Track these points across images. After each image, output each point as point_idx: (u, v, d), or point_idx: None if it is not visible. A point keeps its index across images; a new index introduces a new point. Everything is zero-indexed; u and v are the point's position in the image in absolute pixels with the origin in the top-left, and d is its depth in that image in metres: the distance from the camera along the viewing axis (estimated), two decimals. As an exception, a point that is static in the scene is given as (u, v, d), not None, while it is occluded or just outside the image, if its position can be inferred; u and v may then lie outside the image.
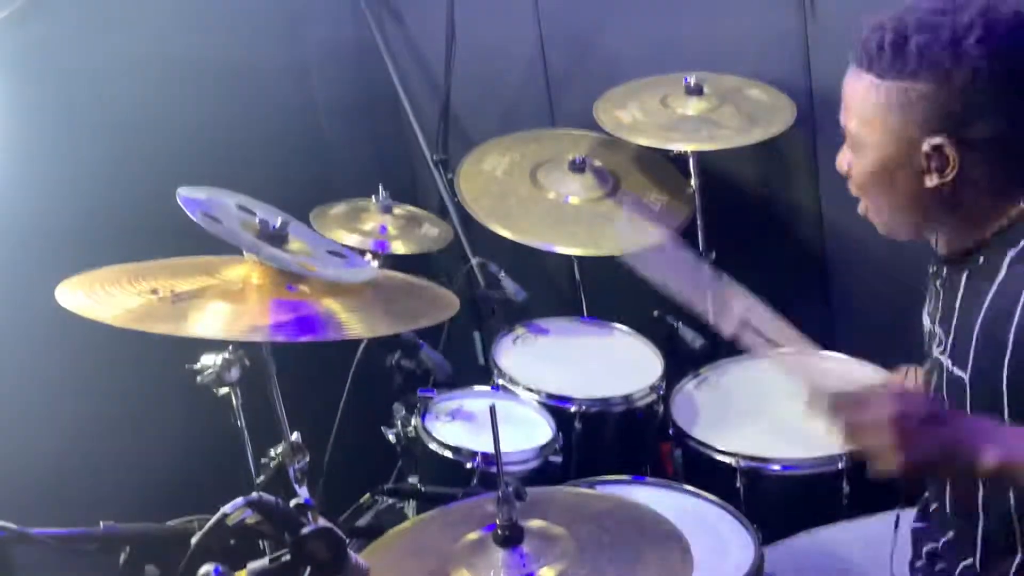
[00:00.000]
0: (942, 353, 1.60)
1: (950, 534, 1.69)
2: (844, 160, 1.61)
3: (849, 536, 2.01)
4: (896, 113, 1.49)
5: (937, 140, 1.47)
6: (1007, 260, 1.50)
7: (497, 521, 1.59)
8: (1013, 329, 1.44)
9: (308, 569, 1.26)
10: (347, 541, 1.29)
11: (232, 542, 1.29)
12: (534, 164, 2.91)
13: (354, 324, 1.62)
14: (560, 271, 3.15)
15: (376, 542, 1.76)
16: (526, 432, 2.37)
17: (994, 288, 1.49)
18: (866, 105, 1.52)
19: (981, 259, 1.54)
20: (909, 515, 1.88)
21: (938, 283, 1.64)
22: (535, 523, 1.64)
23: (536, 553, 1.58)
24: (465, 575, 1.58)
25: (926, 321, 1.70)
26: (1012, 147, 1.48)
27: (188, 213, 1.61)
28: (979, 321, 1.50)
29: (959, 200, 1.51)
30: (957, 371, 1.55)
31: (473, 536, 1.65)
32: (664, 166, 2.93)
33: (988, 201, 1.52)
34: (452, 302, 1.84)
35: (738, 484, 2.23)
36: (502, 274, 2.77)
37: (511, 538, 1.59)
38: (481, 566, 1.58)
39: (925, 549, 1.77)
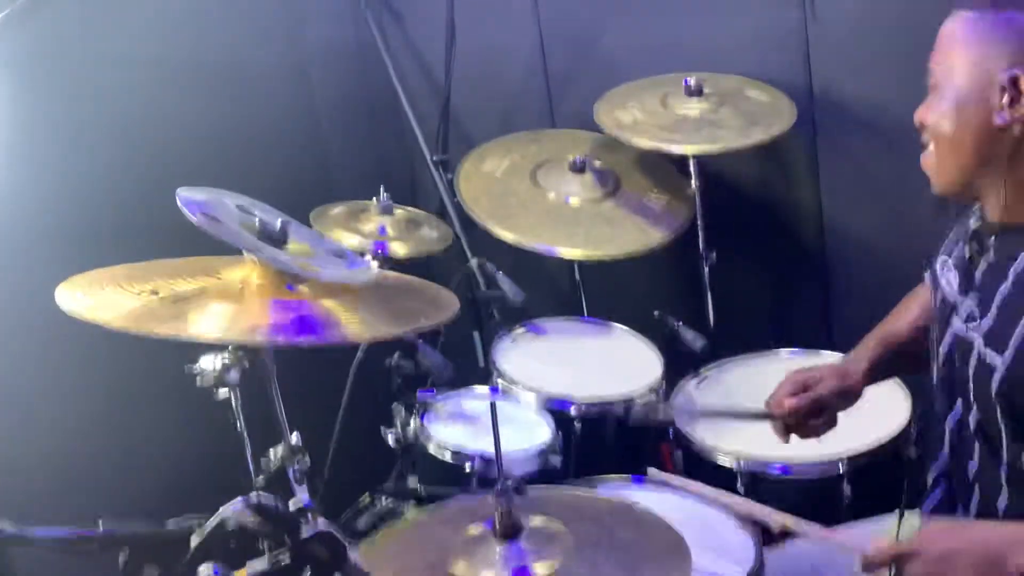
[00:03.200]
0: (974, 329, 1.57)
1: None
2: (921, 112, 1.60)
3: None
4: (978, 45, 1.51)
5: (1015, 71, 1.48)
6: None
7: (496, 515, 1.59)
8: None
9: (308, 570, 1.26)
10: (347, 545, 1.29)
11: (232, 543, 1.29)
12: (534, 164, 2.91)
13: (354, 325, 1.62)
14: (560, 271, 3.15)
15: (376, 535, 1.76)
16: (525, 433, 2.37)
17: None
18: (953, 41, 1.54)
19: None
20: (912, 518, 1.88)
21: (978, 252, 1.60)
22: (534, 519, 1.64)
23: (535, 548, 1.59)
24: (464, 568, 1.58)
25: (945, 287, 1.66)
26: None
27: (188, 213, 1.61)
28: None
29: (1020, 147, 1.50)
30: (991, 354, 1.52)
31: (473, 530, 1.65)
32: (664, 166, 2.93)
33: None
34: (452, 302, 1.84)
35: (738, 485, 2.23)
36: (500, 274, 2.76)
37: (510, 532, 1.59)
38: (480, 559, 1.59)
39: None
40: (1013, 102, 1.48)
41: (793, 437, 1.94)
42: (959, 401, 1.62)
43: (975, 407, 1.58)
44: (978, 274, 1.59)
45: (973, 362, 1.57)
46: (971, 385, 1.57)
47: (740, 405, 1.92)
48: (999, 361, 1.50)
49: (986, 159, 1.53)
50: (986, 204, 1.59)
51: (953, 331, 1.62)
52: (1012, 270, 1.52)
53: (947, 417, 1.66)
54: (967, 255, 1.63)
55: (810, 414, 1.87)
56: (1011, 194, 1.53)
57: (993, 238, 1.57)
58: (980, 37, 1.51)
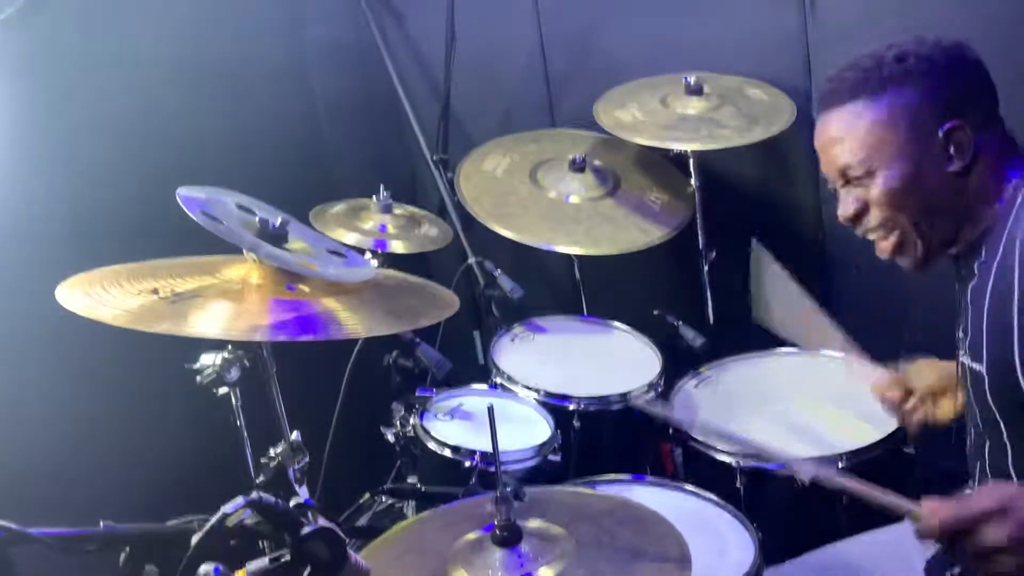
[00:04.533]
0: (964, 354, 1.62)
1: None
2: (851, 204, 1.62)
3: (859, 549, 2.00)
4: (906, 115, 1.55)
5: (952, 123, 1.53)
6: (1003, 238, 1.53)
7: (495, 521, 1.59)
8: (1016, 306, 1.46)
9: (308, 569, 1.26)
10: (347, 541, 1.29)
11: (232, 542, 1.29)
12: (534, 164, 2.91)
13: (354, 323, 1.62)
14: (560, 270, 3.15)
15: (376, 541, 1.76)
16: (525, 431, 2.37)
17: (993, 270, 1.52)
18: (872, 125, 1.57)
19: (984, 247, 1.57)
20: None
21: (957, 287, 1.65)
22: (534, 523, 1.64)
23: (535, 553, 1.58)
24: (464, 575, 1.58)
25: (959, 332, 1.71)
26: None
27: (188, 212, 1.61)
28: (986, 308, 1.52)
29: (977, 181, 1.56)
30: (975, 365, 1.57)
31: (472, 536, 1.65)
32: (664, 166, 2.93)
33: (994, 177, 1.57)
34: (452, 301, 1.84)
35: (738, 484, 2.23)
36: (498, 272, 2.77)
37: (509, 538, 1.59)
38: (480, 566, 1.58)
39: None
40: (961, 148, 1.55)
41: (792, 437, 1.93)
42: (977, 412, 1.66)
43: (977, 411, 1.63)
44: (960, 306, 1.64)
45: (969, 380, 1.63)
46: (975, 401, 1.62)
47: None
48: (982, 369, 1.56)
49: (958, 204, 1.58)
50: (956, 242, 1.63)
51: (960, 361, 1.67)
52: (970, 285, 1.60)
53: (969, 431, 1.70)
54: (959, 297, 1.67)
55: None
56: (970, 222, 1.59)
57: (957, 267, 1.65)
58: (900, 108, 1.55)
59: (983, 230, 1.58)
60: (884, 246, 1.64)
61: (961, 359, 1.65)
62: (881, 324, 2.78)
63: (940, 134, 1.54)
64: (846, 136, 1.58)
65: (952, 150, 1.55)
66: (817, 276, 3.04)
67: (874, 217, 1.61)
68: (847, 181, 1.62)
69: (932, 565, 1.81)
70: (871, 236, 1.65)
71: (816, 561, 1.99)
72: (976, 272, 1.59)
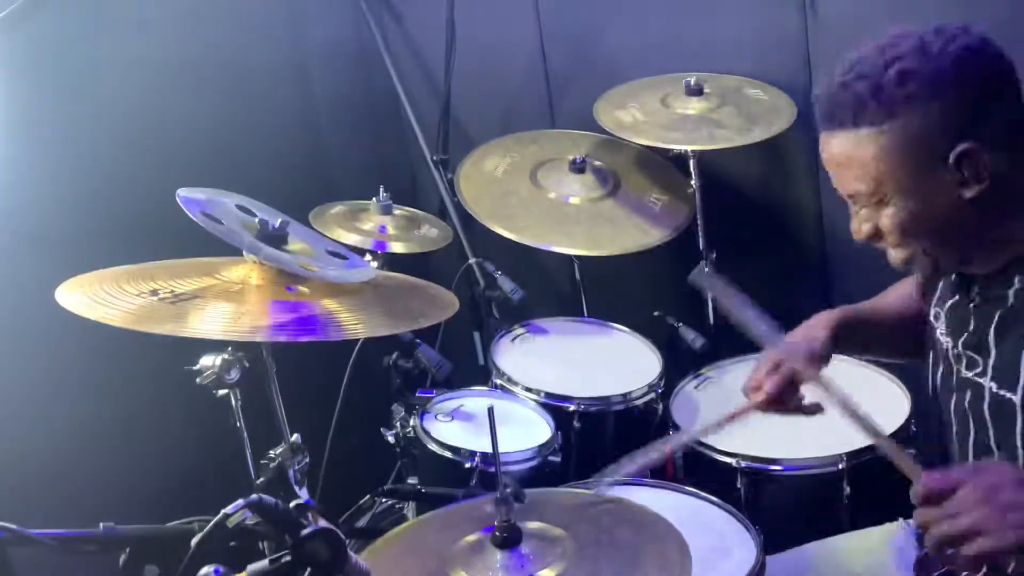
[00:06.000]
0: (979, 375, 1.55)
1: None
2: (864, 226, 1.54)
3: (849, 545, 2.00)
4: (909, 147, 1.43)
5: (962, 147, 1.41)
6: None
7: (495, 523, 1.59)
8: None
9: (308, 570, 1.26)
10: (347, 542, 1.29)
11: (232, 543, 1.29)
12: (534, 164, 2.91)
13: (354, 324, 1.62)
14: (560, 271, 3.15)
15: (376, 543, 1.76)
16: (525, 431, 2.37)
17: None
18: (875, 159, 1.45)
19: (1019, 276, 1.49)
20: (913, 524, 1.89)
21: (971, 305, 1.57)
22: (534, 524, 1.64)
23: (535, 554, 1.58)
24: (463, 576, 1.58)
25: (944, 342, 1.65)
26: None
27: (188, 213, 1.61)
28: None
29: (999, 202, 1.45)
30: (1005, 393, 1.50)
31: (472, 537, 1.65)
32: (664, 166, 2.93)
33: (1021, 201, 1.47)
34: (451, 302, 1.84)
35: (739, 484, 2.23)
36: (498, 273, 2.77)
37: (509, 540, 1.59)
38: (480, 567, 1.58)
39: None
40: (977, 173, 1.43)
41: (793, 438, 1.92)
42: (973, 431, 1.60)
43: (992, 436, 1.57)
44: (972, 326, 1.57)
45: (988, 403, 1.55)
46: (989, 420, 1.56)
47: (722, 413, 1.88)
48: (1016, 397, 1.49)
49: (973, 231, 1.48)
50: (972, 262, 1.56)
51: (965, 377, 1.60)
52: (1000, 310, 1.52)
53: (965, 440, 1.64)
54: (955, 309, 1.62)
55: (789, 389, 1.81)
56: (993, 245, 1.51)
57: (977, 288, 1.56)
58: (909, 135, 1.42)
59: (1017, 256, 1.49)
60: (895, 257, 1.56)
61: (968, 376, 1.58)
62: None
63: (951, 160, 1.42)
64: (851, 163, 1.48)
65: (966, 174, 1.43)
66: (817, 276, 3.04)
67: (888, 240, 1.54)
68: (858, 204, 1.54)
69: (921, 563, 1.81)
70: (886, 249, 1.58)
71: (811, 555, 1.98)
72: (1012, 298, 1.50)
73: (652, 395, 2.50)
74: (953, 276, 1.63)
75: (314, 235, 2.00)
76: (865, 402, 1.96)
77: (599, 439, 2.48)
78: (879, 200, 1.49)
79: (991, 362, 1.53)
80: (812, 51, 2.81)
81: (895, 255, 1.56)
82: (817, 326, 1.85)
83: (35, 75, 2.34)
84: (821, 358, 1.81)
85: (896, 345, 1.91)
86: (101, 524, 1.32)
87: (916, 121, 1.42)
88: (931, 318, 1.70)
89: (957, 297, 1.62)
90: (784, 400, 1.80)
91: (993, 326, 1.53)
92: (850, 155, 1.47)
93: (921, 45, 1.44)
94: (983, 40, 1.46)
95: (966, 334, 1.58)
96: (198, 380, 1.78)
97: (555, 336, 2.74)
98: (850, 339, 1.87)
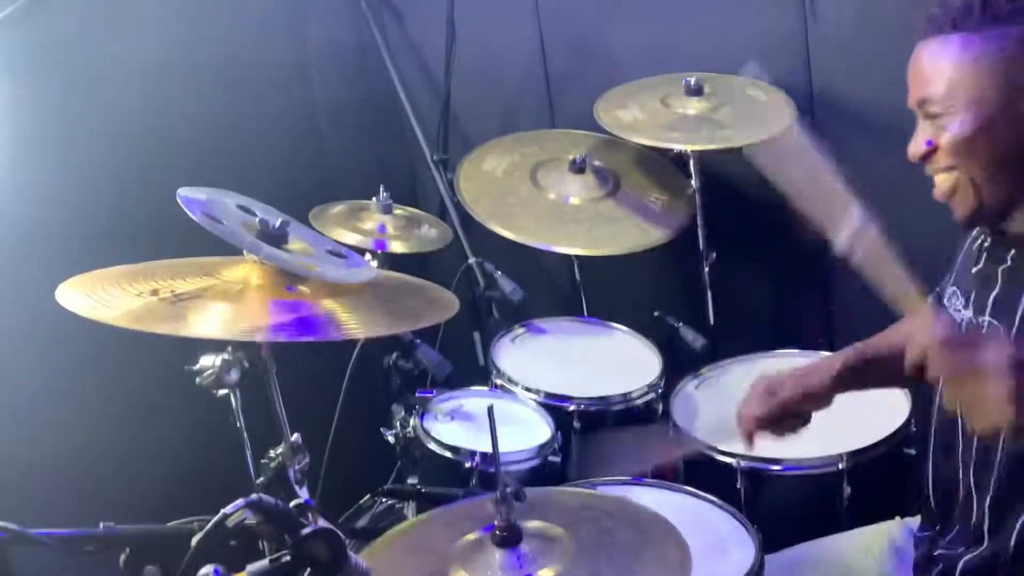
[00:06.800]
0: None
1: (977, 552, 1.65)
2: (922, 140, 1.53)
3: (848, 545, 2.00)
4: (996, 61, 1.44)
5: None
6: None
7: (495, 522, 1.59)
8: None
9: (308, 570, 1.26)
10: (347, 542, 1.29)
11: (232, 543, 1.29)
12: (534, 164, 2.91)
13: (354, 324, 1.62)
14: (560, 271, 3.15)
15: (376, 542, 1.76)
16: (525, 431, 2.37)
17: None
18: (958, 65, 1.46)
19: None
20: (911, 523, 1.88)
21: (1000, 268, 1.56)
22: (534, 524, 1.64)
23: (534, 554, 1.59)
24: (463, 576, 1.58)
25: (963, 312, 1.63)
26: None
27: (188, 213, 1.61)
28: None
29: None
30: None
31: (472, 537, 1.65)
32: (664, 166, 2.93)
33: None
34: (452, 302, 1.84)
35: (738, 485, 2.23)
36: (498, 273, 2.77)
37: (509, 539, 1.59)
38: (479, 567, 1.58)
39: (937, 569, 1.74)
40: None
41: (793, 439, 1.92)
42: None
43: None
44: (998, 290, 1.56)
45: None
46: None
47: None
48: None
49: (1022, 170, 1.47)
50: (1013, 217, 1.54)
51: None
52: None
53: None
54: (981, 275, 1.59)
55: (776, 419, 1.83)
56: None
57: (1013, 251, 1.54)
58: (996, 49, 1.43)
59: None
60: (940, 185, 1.55)
61: None
62: (881, 324, 2.77)
63: None
64: (933, 69, 1.48)
65: None
66: (817, 276, 3.04)
67: (941, 159, 1.53)
68: (925, 115, 1.53)
69: (920, 563, 1.81)
70: (934, 176, 1.56)
71: (810, 554, 1.98)
72: None
73: (652, 395, 2.50)
74: (987, 242, 1.61)
75: (314, 235, 2.00)
76: (865, 402, 1.96)
77: (599, 439, 2.48)
78: (949, 107, 1.48)
79: (1017, 319, 1.51)
80: (812, 51, 2.81)
81: (941, 182, 1.54)
82: (831, 363, 1.84)
83: (35, 75, 2.34)
84: (819, 396, 1.81)
85: (896, 379, 1.88)
86: (101, 524, 1.32)
87: (1013, 38, 1.42)
88: (944, 302, 1.68)
89: (985, 262, 1.59)
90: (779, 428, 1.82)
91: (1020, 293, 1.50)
92: (938, 57, 1.47)
93: None
94: None
95: (992, 295, 1.56)
96: (198, 380, 1.78)
97: (555, 336, 2.75)
98: (859, 379, 1.87)
